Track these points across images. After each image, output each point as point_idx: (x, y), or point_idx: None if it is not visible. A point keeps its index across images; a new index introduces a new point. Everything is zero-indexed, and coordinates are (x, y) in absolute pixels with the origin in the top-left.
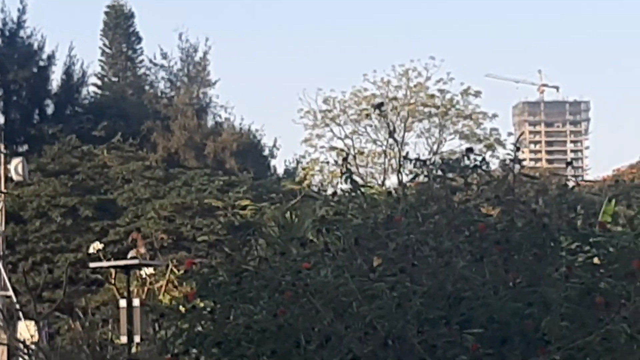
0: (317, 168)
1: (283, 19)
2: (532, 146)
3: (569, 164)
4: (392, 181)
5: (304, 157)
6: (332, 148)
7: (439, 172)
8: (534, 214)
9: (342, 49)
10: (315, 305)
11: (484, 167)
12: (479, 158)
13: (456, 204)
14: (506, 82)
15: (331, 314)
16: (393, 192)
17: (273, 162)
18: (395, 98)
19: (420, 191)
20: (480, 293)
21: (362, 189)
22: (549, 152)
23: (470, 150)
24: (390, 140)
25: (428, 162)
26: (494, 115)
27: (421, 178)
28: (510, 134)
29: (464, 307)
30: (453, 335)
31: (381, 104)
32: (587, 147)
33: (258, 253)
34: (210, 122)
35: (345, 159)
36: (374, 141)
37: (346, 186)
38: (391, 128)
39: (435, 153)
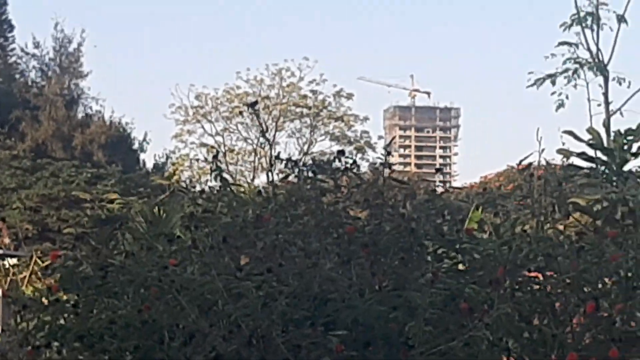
0: (186, 164)
1: (159, 14)
2: (401, 150)
3: (438, 170)
4: (261, 180)
5: (174, 152)
6: (203, 145)
7: (310, 173)
8: (402, 218)
9: (216, 46)
10: (180, 302)
11: (354, 170)
12: (350, 160)
13: (325, 205)
14: (378, 86)
15: (196, 311)
16: (263, 191)
17: (143, 156)
18: (267, 97)
19: (290, 191)
20: (346, 295)
21: (232, 187)
22: (418, 157)
23: (341, 152)
24: (262, 139)
25: (299, 163)
26: (366, 118)
27: (292, 178)
28: (380, 137)
29: (330, 308)
30: (317, 336)
31: (255, 103)
32: (455, 154)
33: (125, 247)
34: (80, 114)
35: (215, 156)
36: (245, 139)
37: (216, 183)
38: (263, 127)
39: (306, 153)
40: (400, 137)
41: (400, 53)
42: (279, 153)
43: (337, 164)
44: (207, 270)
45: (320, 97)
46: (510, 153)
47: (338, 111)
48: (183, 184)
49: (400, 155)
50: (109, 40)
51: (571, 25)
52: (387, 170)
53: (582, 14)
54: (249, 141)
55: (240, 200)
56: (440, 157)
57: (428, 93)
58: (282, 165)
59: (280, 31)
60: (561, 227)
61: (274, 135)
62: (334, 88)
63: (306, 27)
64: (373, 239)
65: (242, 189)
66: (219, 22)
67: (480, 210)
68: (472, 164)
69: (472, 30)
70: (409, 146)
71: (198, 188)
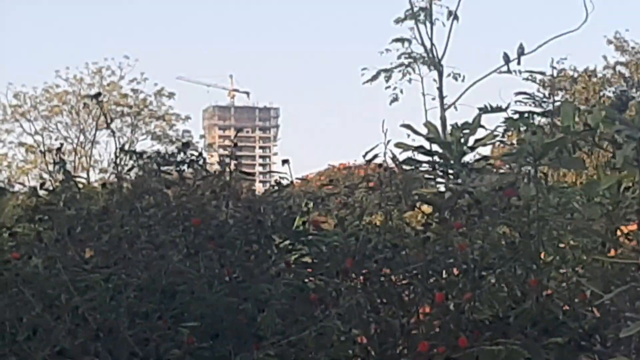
0: (4, 163)
1: None
2: (221, 150)
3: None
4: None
5: None
6: (21, 144)
7: (155, 166)
8: (248, 210)
9: (35, 44)
10: (25, 295)
11: (200, 162)
12: (196, 153)
13: (171, 198)
14: (198, 86)
15: (40, 305)
16: (108, 184)
17: None
18: (87, 96)
19: (135, 184)
20: (195, 287)
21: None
22: (237, 157)
23: (186, 144)
24: (82, 138)
25: (144, 155)
26: (187, 118)
27: (135, 171)
28: (202, 136)
29: (178, 300)
30: (166, 328)
31: (98, 94)
32: (275, 154)
33: None
34: None
35: (59, 149)
36: (65, 138)
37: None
38: (108, 119)
39: (117, 175)
40: (220, 137)
41: (220, 53)
42: (123, 145)
43: (181, 156)
44: (52, 264)
45: (142, 96)
46: (330, 153)
47: (159, 110)
48: (1, 185)
49: (220, 155)
50: None
51: (404, 19)
52: (233, 163)
53: (415, 9)
54: (69, 140)
55: (84, 193)
56: (260, 157)
57: (247, 93)
58: (128, 158)
59: (100, 29)
60: (407, 219)
61: (94, 135)
62: (155, 87)
63: (126, 25)
64: (219, 231)
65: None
66: (38, 19)
67: (311, 204)
68: (293, 163)
69: (292, 29)
70: (229, 146)
71: (17, 187)
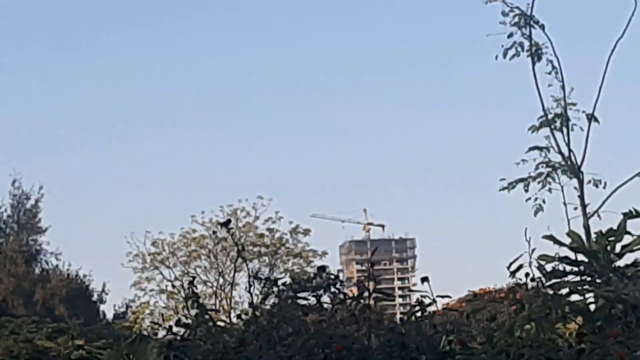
0: (147, 311)
1: (110, 164)
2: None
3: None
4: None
5: (133, 301)
6: (162, 291)
7: (290, 293)
8: (391, 332)
9: (170, 191)
10: None
11: (337, 286)
12: (332, 276)
13: (310, 324)
14: (333, 222)
15: None
16: (243, 315)
17: (102, 307)
18: (224, 239)
19: (271, 312)
20: None
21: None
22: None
23: (322, 268)
24: (221, 281)
25: (278, 282)
26: (324, 253)
27: (272, 299)
28: (340, 271)
29: None
30: None
31: (228, 221)
32: (414, 284)
33: None
34: (38, 269)
35: (191, 282)
36: (204, 282)
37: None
38: (238, 246)
39: (252, 303)
40: (358, 271)
41: (352, 187)
42: (256, 272)
43: (318, 281)
44: None
45: (278, 234)
46: (468, 279)
47: (296, 247)
48: (145, 332)
49: (358, 278)
50: (65, 191)
51: (539, 127)
52: (372, 283)
53: (550, 116)
54: (209, 284)
55: (219, 326)
56: (399, 288)
57: (382, 226)
58: (261, 286)
59: (234, 172)
60: (560, 331)
61: (233, 277)
62: (290, 225)
63: (259, 164)
64: (363, 355)
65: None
66: (171, 167)
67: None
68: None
69: (422, 163)
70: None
71: (160, 334)
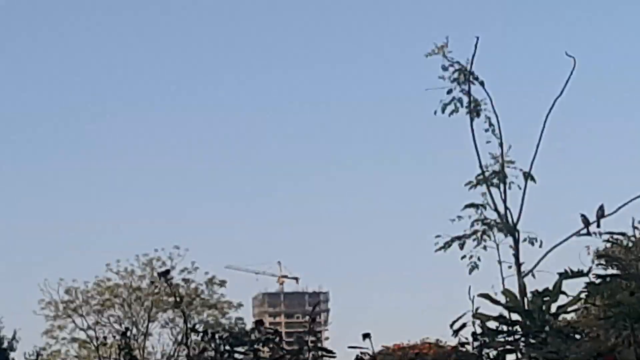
0: None
1: (24, 207)
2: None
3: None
4: None
5: (44, 349)
6: (74, 339)
7: (227, 347)
8: None
9: (84, 238)
10: None
11: (275, 340)
12: (271, 330)
13: None
14: (247, 273)
15: None
16: None
17: (12, 355)
18: (139, 288)
19: None
20: None
21: None
22: (289, 343)
23: (260, 322)
24: (134, 331)
25: (215, 336)
26: (240, 305)
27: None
28: (259, 322)
29: None
30: None
31: (167, 271)
32: (327, 338)
33: None
34: None
35: (124, 333)
36: (117, 331)
37: None
38: (134, 319)
39: (180, 343)
40: (271, 323)
41: (267, 240)
42: (194, 325)
43: (255, 334)
44: None
45: (193, 285)
46: (384, 334)
47: (211, 299)
48: None
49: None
50: None
51: (477, 184)
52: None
53: (487, 173)
54: (131, 346)
55: None
56: (311, 342)
57: (296, 278)
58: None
59: (150, 220)
60: None
61: (147, 326)
62: (205, 275)
63: (174, 215)
64: None
65: None
66: (87, 214)
67: None
68: (343, 347)
69: (337, 211)
70: (280, 332)
71: None
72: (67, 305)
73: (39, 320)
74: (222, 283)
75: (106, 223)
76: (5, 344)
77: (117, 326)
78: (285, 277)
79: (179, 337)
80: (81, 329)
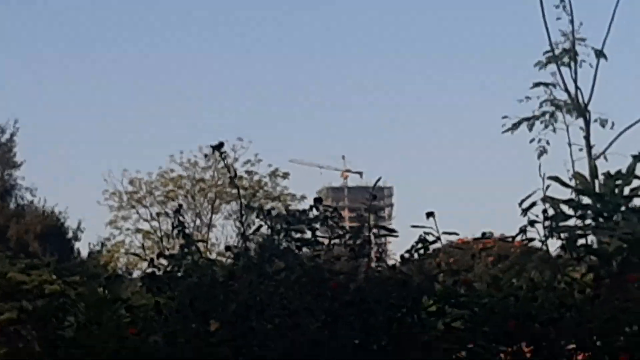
0: (122, 250)
1: (87, 100)
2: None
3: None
4: None
5: (108, 239)
6: (138, 230)
7: (284, 225)
8: (392, 270)
9: (149, 130)
10: None
11: (335, 219)
12: (330, 209)
13: (304, 259)
14: (311, 167)
15: None
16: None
17: (77, 245)
18: (202, 179)
19: (262, 245)
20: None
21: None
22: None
23: (318, 200)
24: (198, 222)
25: (272, 213)
26: (303, 197)
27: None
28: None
29: None
30: None
31: (221, 144)
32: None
33: (77, 319)
34: (13, 205)
35: (177, 211)
36: (181, 223)
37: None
38: (197, 210)
39: (243, 234)
40: None
41: (332, 133)
42: (249, 201)
43: (314, 213)
44: (174, 338)
45: (256, 177)
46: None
47: (274, 191)
48: (119, 272)
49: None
50: (41, 127)
51: (547, 63)
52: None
53: (557, 51)
54: (185, 224)
55: (206, 259)
56: (375, 236)
57: (360, 173)
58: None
59: (213, 111)
60: (575, 275)
61: (211, 218)
62: (269, 168)
63: (238, 106)
64: (360, 294)
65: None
66: (150, 106)
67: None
68: (405, 242)
69: (400, 110)
70: (344, 226)
71: (135, 274)
72: (131, 196)
73: (103, 211)
74: (286, 175)
75: (170, 114)
76: (69, 234)
77: (180, 217)
78: (349, 171)
79: (242, 228)
80: (145, 220)
